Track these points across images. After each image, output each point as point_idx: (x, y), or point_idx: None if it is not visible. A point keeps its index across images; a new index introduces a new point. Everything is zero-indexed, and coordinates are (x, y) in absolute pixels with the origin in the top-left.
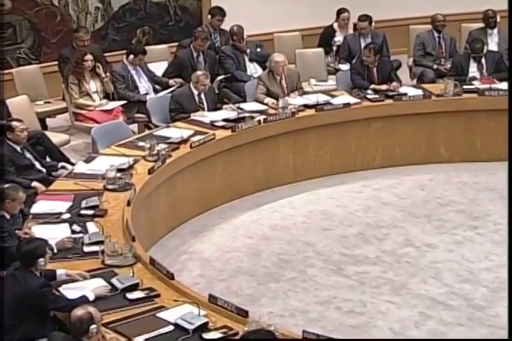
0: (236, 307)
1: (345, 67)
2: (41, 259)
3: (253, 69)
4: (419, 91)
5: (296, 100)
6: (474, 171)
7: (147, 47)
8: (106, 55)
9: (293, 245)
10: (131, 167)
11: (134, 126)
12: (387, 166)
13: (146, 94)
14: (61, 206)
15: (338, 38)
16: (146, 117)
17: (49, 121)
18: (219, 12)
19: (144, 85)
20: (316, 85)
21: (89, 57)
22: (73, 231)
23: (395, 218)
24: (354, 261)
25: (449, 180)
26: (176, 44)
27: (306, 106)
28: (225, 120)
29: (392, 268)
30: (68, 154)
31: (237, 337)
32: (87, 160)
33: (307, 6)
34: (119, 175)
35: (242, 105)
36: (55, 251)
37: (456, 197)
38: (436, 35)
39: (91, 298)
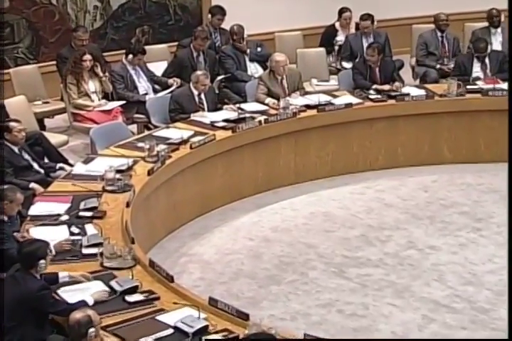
0: (236, 310)
1: (348, 65)
2: (42, 261)
3: (254, 69)
4: (422, 92)
5: (297, 100)
6: (478, 172)
7: (146, 47)
8: (105, 54)
9: (294, 247)
10: (130, 168)
11: (134, 127)
12: (390, 167)
13: (146, 94)
14: (59, 207)
15: (340, 38)
16: (146, 118)
17: (47, 122)
18: (219, 11)
19: (143, 85)
20: (317, 85)
21: (87, 56)
22: (72, 233)
23: (398, 220)
24: (356, 264)
25: (453, 182)
26: (176, 43)
27: (308, 107)
28: (225, 120)
29: (394, 271)
30: (67, 155)
31: None
32: (86, 161)
33: (308, 5)
34: (118, 176)
35: (243, 105)
36: (54, 253)
37: (459, 199)
38: (439, 34)
39: (90, 302)
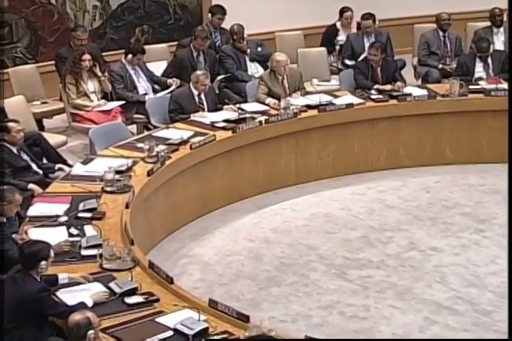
0: (237, 312)
1: (351, 62)
2: (43, 262)
3: (254, 69)
4: (424, 92)
5: (298, 100)
6: (480, 173)
7: (146, 47)
8: (104, 54)
9: (295, 248)
10: (129, 169)
11: (133, 127)
12: (392, 168)
13: (145, 94)
14: (58, 208)
15: (341, 37)
16: (145, 118)
17: (46, 122)
18: (219, 10)
19: (142, 85)
20: (318, 85)
21: (87, 56)
22: (70, 235)
23: (400, 221)
24: (357, 265)
25: (455, 182)
26: (176, 43)
27: (309, 107)
28: (225, 121)
29: (396, 273)
30: (65, 155)
31: None
32: (85, 162)
33: (309, 5)
34: (117, 177)
35: (243, 105)
36: (53, 255)
37: (461, 200)
38: (441, 34)
39: (89, 304)
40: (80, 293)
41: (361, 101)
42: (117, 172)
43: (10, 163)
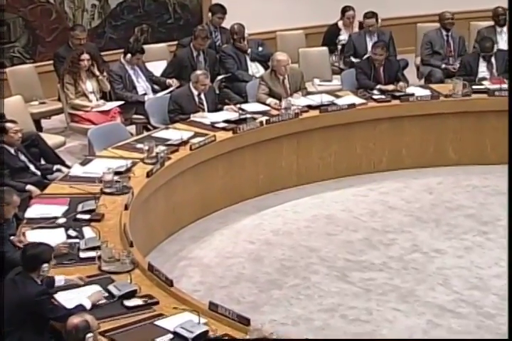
0: (237, 315)
1: (356, 60)
2: (45, 265)
3: (255, 68)
4: (427, 92)
5: (299, 101)
6: (484, 174)
7: (145, 46)
8: (103, 54)
9: (296, 250)
10: (128, 170)
11: (132, 128)
12: (394, 169)
13: (145, 94)
14: (56, 210)
15: (343, 37)
16: (145, 118)
17: (44, 122)
18: (220, 10)
19: (142, 85)
20: (320, 85)
21: (85, 56)
22: (69, 236)
23: (402, 223)
24: (359, 268)
25: (458, 184)
26: (176, 43)
27: (310, 107)
28: (226, 121)
29: (399, 275)
30: (64, 156)
31: None
32: (83, 163)
33: (311, 4)
34: (116, 178)
35: (244, 106)
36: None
37: (465, 201)
38: (444, 33)
39: (88, 306)
40: (77, 295)
41: (363, 101)
42: (116, 173)
43: (7, 164)
